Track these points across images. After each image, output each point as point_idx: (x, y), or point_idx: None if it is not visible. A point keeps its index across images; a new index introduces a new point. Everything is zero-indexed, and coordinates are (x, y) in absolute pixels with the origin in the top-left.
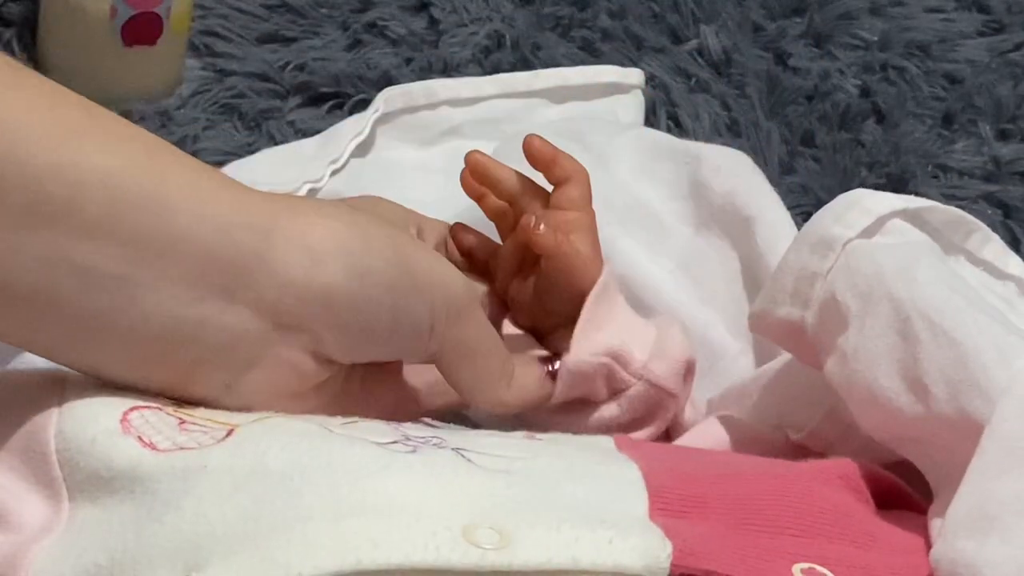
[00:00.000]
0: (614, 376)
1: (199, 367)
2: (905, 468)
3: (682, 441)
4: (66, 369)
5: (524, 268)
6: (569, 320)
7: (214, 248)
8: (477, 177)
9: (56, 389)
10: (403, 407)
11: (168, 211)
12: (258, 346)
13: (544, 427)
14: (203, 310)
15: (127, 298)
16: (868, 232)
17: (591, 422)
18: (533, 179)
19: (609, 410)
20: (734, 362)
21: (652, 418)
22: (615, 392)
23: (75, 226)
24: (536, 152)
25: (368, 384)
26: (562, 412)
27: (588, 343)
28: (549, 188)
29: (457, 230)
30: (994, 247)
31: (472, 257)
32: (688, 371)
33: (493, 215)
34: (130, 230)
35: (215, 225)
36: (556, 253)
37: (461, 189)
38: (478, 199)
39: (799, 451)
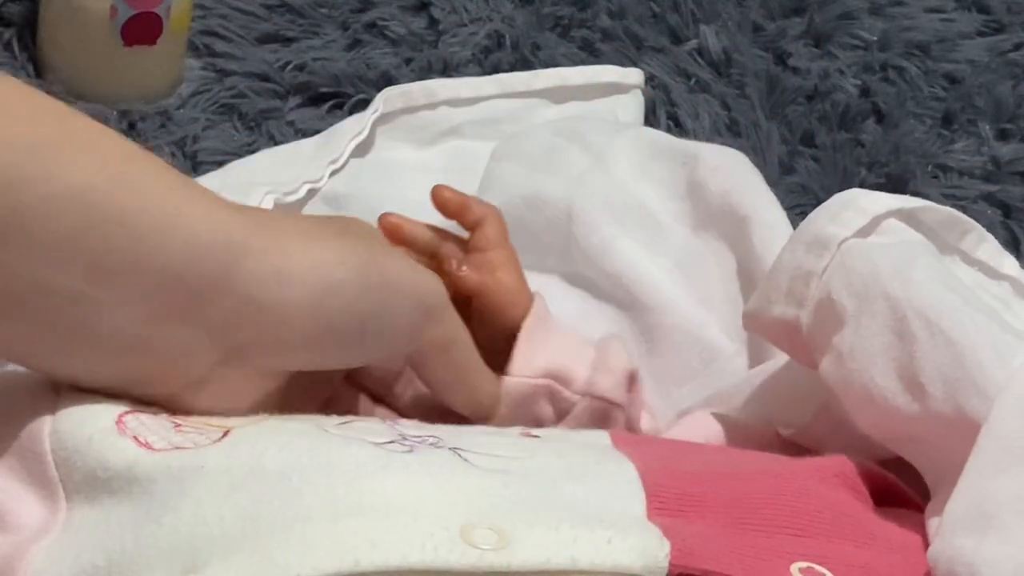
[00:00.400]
0: (557, 396)
1: (155, 380)
2: (899, 465)
3: (671, 435)
4: None
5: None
6: (509, 358)
7: (179, 270)
8: (393, 239)
9: (51, 390)
10: (340, 399)
11: (135, 230)
12: (212, 366)
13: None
14: (160, 329)
15: (84, 314)
16: (863, 232)
17: None
18: (448, 229)
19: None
20: (729, 363)
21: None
22: (562, 414)
23: (37, 243)
24: (445, 201)
25: (304, 380)
26: None
27: (527, 368)
28: (466, 234)
29: None
30: (989, 247)
31: None
32: (631, 382)
33: None
34: (94, 249)
35: (182, 246)
36: (483, 290)
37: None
38: None
39: (789, 446)
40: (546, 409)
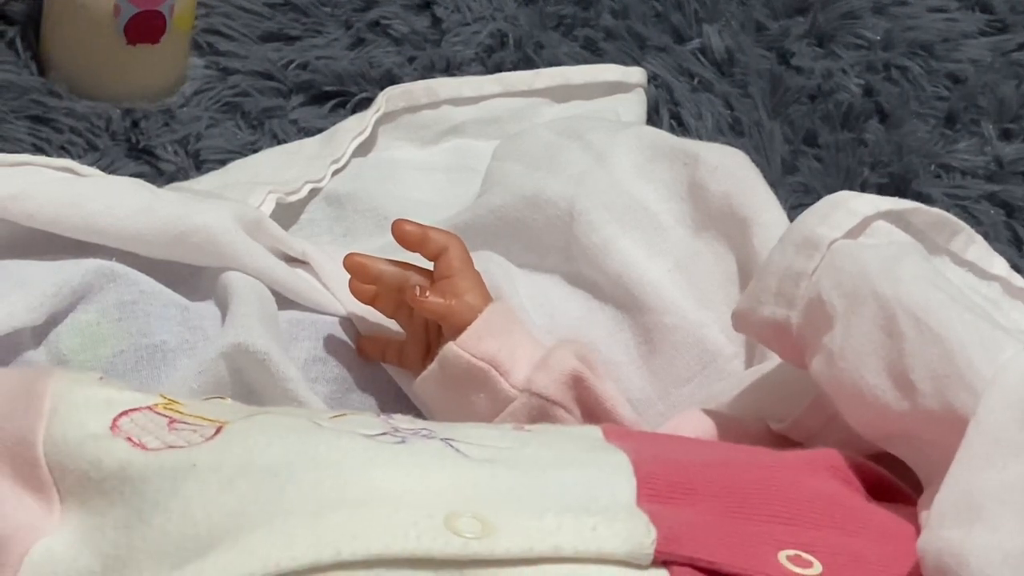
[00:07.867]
0: (495, 387)
1: None
2: (888, 459)
3: (663, 431)
4: (54, 372)
5: (432, 348)
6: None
7: None
8: (360, 277)
9: (43, 394)
10: None
11: None
12: None
13: None
14: None
15: None
16: (853, 233)
17: None
18: (413, 262)
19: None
20: (728, 364)
21: None
22: (499, 408)
23: None
24: (406, 235)
25: None
26: None
27: (474, 347)
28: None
29: (364, 346)
30: (978, 248)
31: (385, 359)
32: (576, 383)
33: (391, 312)
34: None
35: None
36: (448, 312)
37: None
38: (372, 302)
39: (780, 441)
40: (480, 398)
